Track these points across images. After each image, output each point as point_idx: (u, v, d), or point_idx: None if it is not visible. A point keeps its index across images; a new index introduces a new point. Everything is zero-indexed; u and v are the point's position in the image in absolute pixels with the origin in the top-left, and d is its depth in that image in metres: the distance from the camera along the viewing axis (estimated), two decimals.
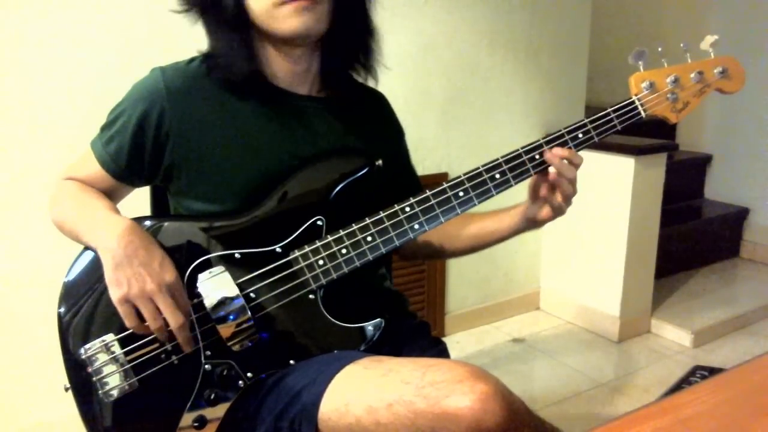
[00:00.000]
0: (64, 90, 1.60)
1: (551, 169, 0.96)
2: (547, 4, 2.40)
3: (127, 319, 0.84)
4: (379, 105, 1.13)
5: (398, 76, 2.11)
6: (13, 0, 1.50)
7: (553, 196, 0.97)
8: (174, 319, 0.83)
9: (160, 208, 1.09)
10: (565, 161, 0.95)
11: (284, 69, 0.96)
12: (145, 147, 0.93)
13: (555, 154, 0.94)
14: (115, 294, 0.83)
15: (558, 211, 0.99)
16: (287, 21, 0.88)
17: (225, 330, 0.86)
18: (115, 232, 0.85)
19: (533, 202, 1.01)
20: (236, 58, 0.91)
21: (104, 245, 0.85)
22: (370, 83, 1.06)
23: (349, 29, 0.97)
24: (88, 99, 1.61)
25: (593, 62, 2.65)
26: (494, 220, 1.07)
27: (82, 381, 0.87)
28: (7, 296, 1.62)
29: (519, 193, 1.02)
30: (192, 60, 0.97)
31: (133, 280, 0.82)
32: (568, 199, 0.97)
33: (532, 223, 1.03)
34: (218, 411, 0.88)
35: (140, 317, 0.84)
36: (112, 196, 0.99)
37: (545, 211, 1.00)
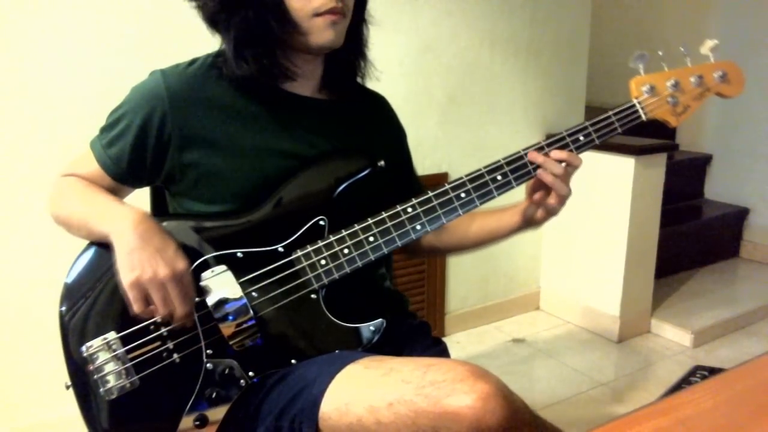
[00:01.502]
0: (64, 90, 1.60)
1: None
2: (547, 4, 2.40)
3: (135, 303, 0.83)
4: (381, 107, 1.13)
5: (398, 76, 2.11)
6: None
7: (548, 198, 0.99)
8: (182, 308, 0.84)
9: (160, 208, 1.09)
10: (549, 159, 0.96)
11: (290, 71, 0.96)
12: (147, 151, 0.93)
13: (536, 155, 0.96)
14: (126, 277, 0.82)
15: (552, 212, 1.00)
16: (321, 33, 0.90)
17: (227, 329, 0.87)
18: (129, 218, 0.85)
19: (531, 203, 1.02)
20: (260, 59, 0.91)
21: (118, 229, 0.85)
22: (368, 84, 1.07)
23: (355, 40, 1.00)
24: (89, 99, 1.61)
25: (593, 62, 2.65)
26: (495, 218, 1.08)
27: (83, 379, 0.88)
28: (7, 296, 1.62)
29: (520, 193, 1.02)
30: (193, 62, 0.97)
31: (147, 264, 0.82)
32: (562, 200, 0.99)
33: (530, 223, 1.04)
34: (219, 410, 0.88)
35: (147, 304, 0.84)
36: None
37: (541, 212, 1.01)
